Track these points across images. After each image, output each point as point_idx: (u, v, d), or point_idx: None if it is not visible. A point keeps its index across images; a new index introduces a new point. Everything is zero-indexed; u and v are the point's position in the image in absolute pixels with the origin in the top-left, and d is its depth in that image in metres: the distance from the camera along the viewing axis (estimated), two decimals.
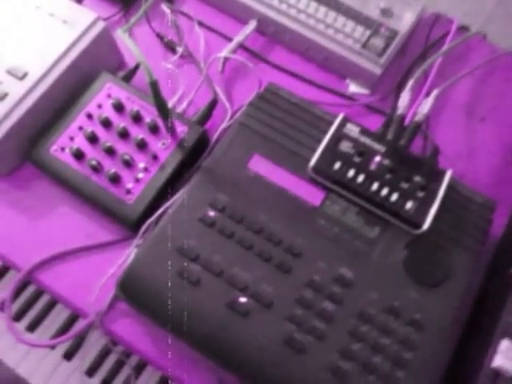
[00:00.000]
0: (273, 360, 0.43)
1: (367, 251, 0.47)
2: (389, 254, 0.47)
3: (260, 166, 0.50)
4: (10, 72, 0.50)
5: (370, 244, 0.47)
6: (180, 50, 0.59)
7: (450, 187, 0.48)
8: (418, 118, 0.52)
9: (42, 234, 0.51)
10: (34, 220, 0.51)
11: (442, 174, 0.49)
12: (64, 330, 0.60)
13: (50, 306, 0.62)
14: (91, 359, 0.59)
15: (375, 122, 0.58)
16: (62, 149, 0.50)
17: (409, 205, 0.47)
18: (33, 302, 0.63)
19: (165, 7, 0.59)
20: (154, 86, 0.42)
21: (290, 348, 0.43)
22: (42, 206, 0.52)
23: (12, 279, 0.50)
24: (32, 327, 0.61)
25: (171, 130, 0.50)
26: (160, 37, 0.61)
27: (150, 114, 0.51)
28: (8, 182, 0.53)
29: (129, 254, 0.48)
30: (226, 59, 0.58)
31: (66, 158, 0.50)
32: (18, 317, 0.62)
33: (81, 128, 0.51)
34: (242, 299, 0.44)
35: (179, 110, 0.55)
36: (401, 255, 0.47)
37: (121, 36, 0.40)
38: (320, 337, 0.43)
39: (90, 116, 0.51)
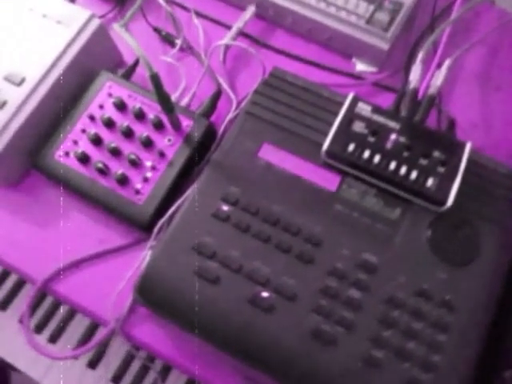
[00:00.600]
0: (301, 354, 0.41)
1: (390, 234, 0.45)
2: (413, 234, 0.45)
3: (270, 154, 0.48)
4: (7, 79, 0.49)
5: (393, 226, 0.45)
6: (179, 42, 0.58)
7: (470, 160, 0.46)
8: (432, 90, 0.50)
9: (54, 242, 0.49)
10: (44, 229, 0.50)
11: (461, 146, 0.47)
12: (86, 338, 0.59)
13: (70, 315, 0.61)
14: (116, 366, 0.58)
15: (386, 100, 0.56)
16: (67, 153, 0.49)
17: (430, 182, 0.45)
18: (52, 312, 0.62)
19: (160, 0, 0.57)
20: (155, 78, 0.40)
21: (319, 340, 0.41)
22: (52, 214, 0.51)
23: (28, 292, 0.49)
24: (54, 338, 0.60)
25: (176, 125, 0.48)
26: (157, 31, 0.60)
27: (154, 110, 0.50)
28: (15, 191, 0.52)
29: (144, 257, 0.47)
30: (227, 48, 0.56)
31: (72, 162, 0.49)
32: (38, 329, 0.61)
33: (84, 131, 0.50)
34: (265, 294, 0.42)
35: (183, 103, 0.53)
36: (425, 235, 0.45)
37: (117, 30, 0.39)
38: (349, 326, 0.42)
39: (92, 117, 0.50)
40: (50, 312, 0.62)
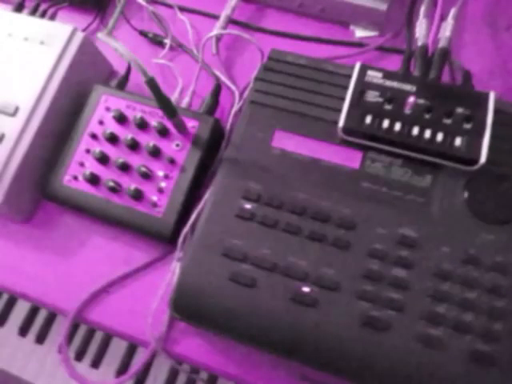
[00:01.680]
0: (355, 345, 0.39)
1: (424, 203, 0.43)
2: (449, 199, 0.43)
3: (284, 141, 0.46)
4: (0, 111, 0.47)
5: (426, 195, 0.43)
6: (168, 41, 0.55)
7: (496, 110, 0.43)
8: (443, 43, 0.47)
9: (79, 270, 0.48)
10: (67, 258, 0.48)
11: (484, 97, 0.44)
12: (128, 358, 0.58)
13: (109, 336, 0.59)
14: (162, 383, 0.57)
15: (393, 63, 0.53)
16: (75, 177, 0.47)
17: (458, 141, 0.42)
18: (90, 337, 0.61)
19: (141, 0, 0.54)
20: (152, 83, 0.37)
21: (371, 328, 0.39)
22: (72, 241, 0.49)
23: (62, 323, 0.47)
24: (95, 363, 0.59)
25: (182, 128, 0.46)
26: (144, 34, 0.57)
27: (156, 117, 0.47)
28: (31, 225, 0.50)
29: (173, 270, 0.45)
30: (219, 39, 0.53)
31: (82, 185, 0.47)
32: (78, 356, 0.60)
33: (88, 151, 0.48)
34: (305, 289, 0.40)
35: (183, 104, 0.51)
36: (462, 198, 0.42)
37: (103, 39, 0.36)
38: (400, 308, 0.39)
39: (94, 136, 0.48)
40: (87, 337, 0.61)
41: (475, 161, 0.42)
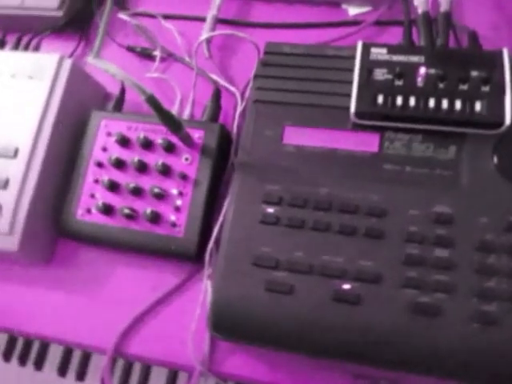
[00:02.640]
0: (408, 335, 0.37)
1: (453, 176, 0.41)
2: (478, 168, 0.40)
3: (296, 136, 0.44)
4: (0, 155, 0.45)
5: (453, 167, 0.41)
6: (158, 53, 0.53)
7: None
8: (445, 7, 0.45)
9: (109, 305, 0.46)
10: (94, 295, 0.47)
11: (497, 56, 0.42)
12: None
13: (148, 367, 0.58)
14: None
15: (394, 36, 0.50)
16: (88, 210, 0.45)
17: (478, 106, 0.40)
18: (130, 367, 0.59)
19: (123, 15, 0.52)
20: (152, 100, 0.35)
21: (422, 315, 0.37)
22: (96, 276, 0.47)
23: (101, 358, 0.46)
24: None
25: (188, 141, 0.44)
26: (131, 49, 0.55)
27: (159, 134, 0.45)
28: (51, 266, 0.48)
29: (205, 289, 0.43)
30: (210, 41, 0.51)
31: (97, 217, 0.45)
32: None
33: (97, 181, 0.46)
34: (346, 286, 0.38)
35: (185, 115, 0.49)
36: (492, 163, 0.40)
37: (93, 63, 0.34)
38: (449, 289, 0.37)
39: (99, 164, 0.46)
40: (127, 368, 0.59)
41: (500, 123, 0.40)
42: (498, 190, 0.40)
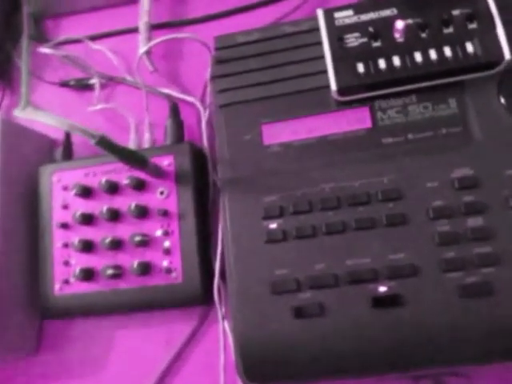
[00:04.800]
0: (466, 325, 0.32)
1: (462, 131, 0.36)
2: (486, 114, 0.36)
3: (277, 133, 0.38)
4: None
5: (459, 121, 0.36)
6: (95, 81, 0.46)
7: None
8: None
9: (125, 375, 0.40)
10: (101, 369, 0.40)
11: None
12: None
13: None
14: None
15: None
16: (66, 281, 0.39)
17: (470, 47, 0.35)
18: None
19: (45, 49, 0.45)
20: (104, 142, 0.29)
21: (474, 297, 0.32)
22: (99, 348, 0.41)
23: None
24: None
25: (158, 172, 0.38)
26: (65, 84, 0.48)
27: (123, 173, 0.39)
28: (41, 354, 0.42)
29: (223, 332, 0.38)
30: (149, 53, 0.45)
31: (78, 287, 0.39)
32: None
33: (66, 245, 0.39)
34: (382, 288, 0.33)
35: (146, 143, 0.42)
36: (500, 105, 0.36)
37: (24, 116, 0.28)
38: (495, 261, 0.32)
39: (64, 225, 0.39)
40: None
41: (499, 59, 0.35)
42: None
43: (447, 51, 0.35)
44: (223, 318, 0.38)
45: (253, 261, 0.35)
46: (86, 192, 0.39)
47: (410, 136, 0.37)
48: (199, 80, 0.45)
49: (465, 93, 0.36)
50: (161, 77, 0.45)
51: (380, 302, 0.33)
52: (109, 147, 0.30)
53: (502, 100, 0.36)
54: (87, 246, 0.38)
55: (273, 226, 0.35)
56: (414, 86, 0.36)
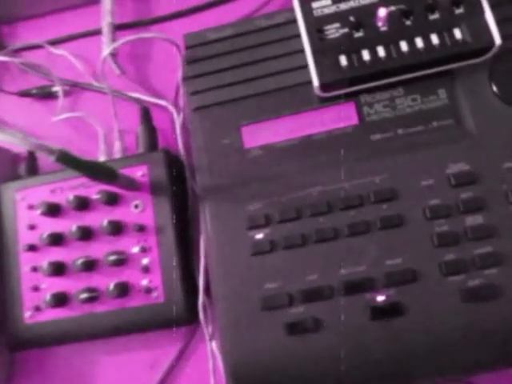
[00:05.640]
0: (472, 331, 0.30)
1: (454, 123, 0.34)
2: (478, 103, 0.34)
3: (258, 135, 0.36)
4: None
5: (450, 113, 0.34)
6: (58, 88, 0.43)
7: None
8: None
9: None
10: None
11: None
12: None
13: None
14: None
15: None
16: (37, 308, 0.35)
17: (458, 34, 0.33)
18: None
19: (1, 57, 0.42)
20: (64, 157, 0.26)
21: (478, 301, 0.30)
22: (82, 380, 0.37)
23: None
24: None
25: (132, 184, 0.35)
26: (26, 94, 0.44)
27: (93, 187, 0.36)
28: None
29: (212, 353, 0.35)
30: (115, 55, 0.42)
31: (50, 314, 0.35)
32: None
33: (35, 269, 0.36)
34: (380, 297, 0.31)
35: (117, 153, 0.39)
36: (492, 94, 0.34)
37: None
38: (498, 261, 0.31)
39: (31, 247, 0.36)
40: None
41: (489, 45, 0.33)
42: (510, 122, 0.33)
43: (434, 39, 0.33)
44: (211, 338, 0.35)
45: (239, 275, 0.32)
46: (53, 210, 0.36)
47: (399, 131, 0.34)
48: (171, 82, 0.42)
49: (455, 82, 0.34)
50: (129, 81, 0.42)
51: (379, 312, 0.30)
52: (71, 163, 0.26)
53: (495, 88, 0.34)
54: (58, 269, 0.35)
55: (259, 236, 0.33)
56: (401, 78, 0.34)
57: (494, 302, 0.30)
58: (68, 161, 0.26)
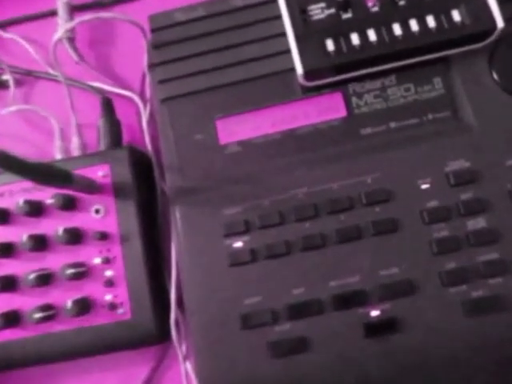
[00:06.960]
0: (477, 347, 0.27)
1: (452, 115, 0.31)
2: (477, 93, 0.31)
3: (235, 130, 0.32)
4: None
5: (447, 104, 0.31)
6: (8, 77, 0.38)
7: None
8: None
9: None
10: None
11: None
12: None
13: None
14: None
15: None
16: None
17: (456, 15, 0.30)
18: None
19: None
20: (5, 160, 0.21)
21: (482, 314, 0.27)
22: None
23: None
24: None
25: (91, 186, 0.31)
26: None
27: (47, 190, 0.31)
28: None
29: (187, 375, 0.31)
30: (72, 39, 0.37)
31: (1, 335, 0.31)
32: None
33: None
34: (375, 312, 0.28)
35: (75, 150, 0.35)
36: (492, 82, 0.31)
37: None
38: (503, 269, 0.28)
39: None
40: None
41: (491, 28, 0.30)
42: (509, 114, 0.30)
43: (430, 21, 0.30)
44: (184, 359, 0.31)
45: (216, 289, 0.29)
46: (1, 217, 0.31)
47: (392, 124, 0.31)
48: (136, 70, 0.37)
49: (451, 70, 0.31)
50: (90, 68, 0.37)
51: (373, 328, 0.27)
52: (12, 166, 0.22)
53: (495, 76, 0.31)
54: (8, 285, 0.31)
55: (237, 244, 0.29)
56: (394, 65, 0.31)
57: (499, 315, 0.27)
58: (8, 164, 0.22)
